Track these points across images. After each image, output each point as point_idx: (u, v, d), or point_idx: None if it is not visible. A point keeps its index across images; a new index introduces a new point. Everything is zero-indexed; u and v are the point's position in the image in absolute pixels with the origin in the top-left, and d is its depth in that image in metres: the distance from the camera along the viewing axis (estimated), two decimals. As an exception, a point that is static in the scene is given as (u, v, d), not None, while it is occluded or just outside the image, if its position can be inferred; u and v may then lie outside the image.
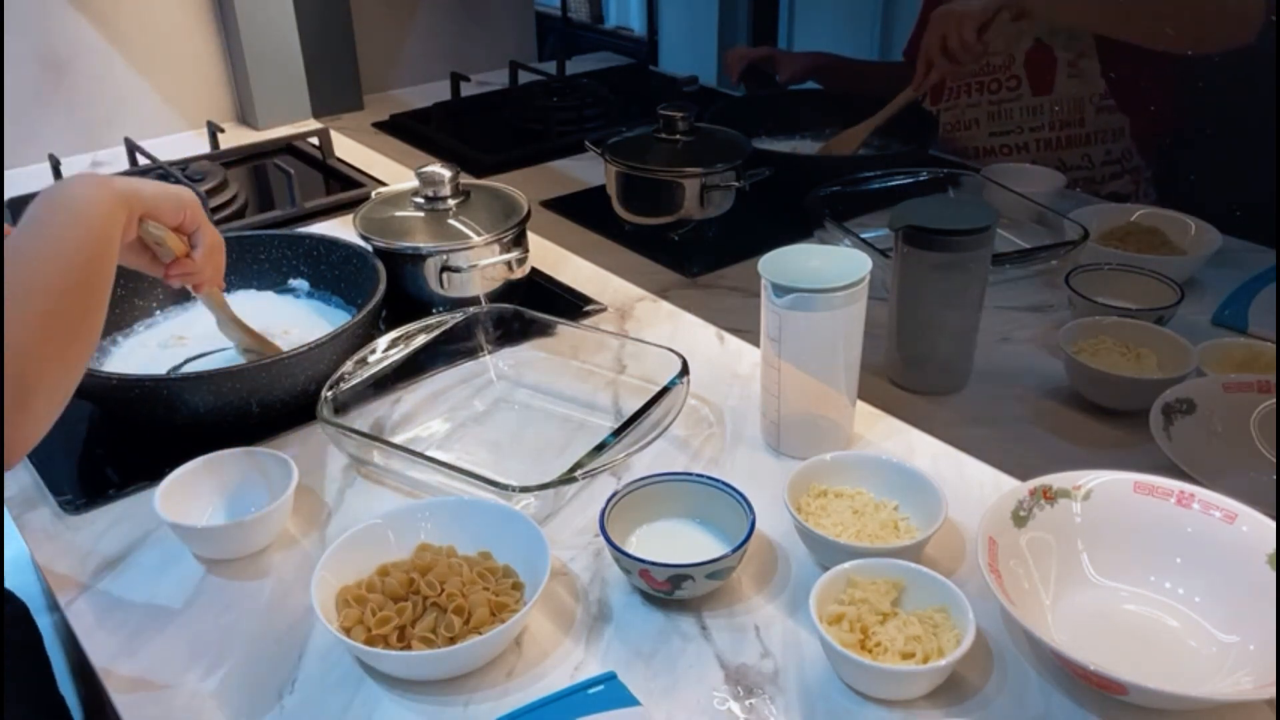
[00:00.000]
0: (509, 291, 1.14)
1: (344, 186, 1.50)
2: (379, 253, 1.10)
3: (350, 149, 1.67)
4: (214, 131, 1.58)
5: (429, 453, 0.88)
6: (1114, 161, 1.53)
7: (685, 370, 0.92)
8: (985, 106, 1.58)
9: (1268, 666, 0.66)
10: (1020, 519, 0.76)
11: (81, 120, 1.65)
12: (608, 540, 0.76)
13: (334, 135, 1.64)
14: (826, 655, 0.70)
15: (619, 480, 0.87)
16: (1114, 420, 0.97)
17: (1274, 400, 0.90)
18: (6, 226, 0.71)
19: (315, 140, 1.59)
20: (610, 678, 0.69)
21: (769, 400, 0.91)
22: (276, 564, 0.82)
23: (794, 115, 1.61)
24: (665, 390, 0.91)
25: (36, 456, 0.93)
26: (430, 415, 0.99)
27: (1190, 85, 1.48)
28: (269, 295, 1.15)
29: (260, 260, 1.15)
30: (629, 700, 0.67)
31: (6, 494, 0.90)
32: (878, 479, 0.83)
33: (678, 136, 1.30)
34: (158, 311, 1.11)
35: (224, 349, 1.04)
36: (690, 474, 0.83)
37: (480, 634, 0.70)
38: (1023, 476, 0.80)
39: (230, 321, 0.96)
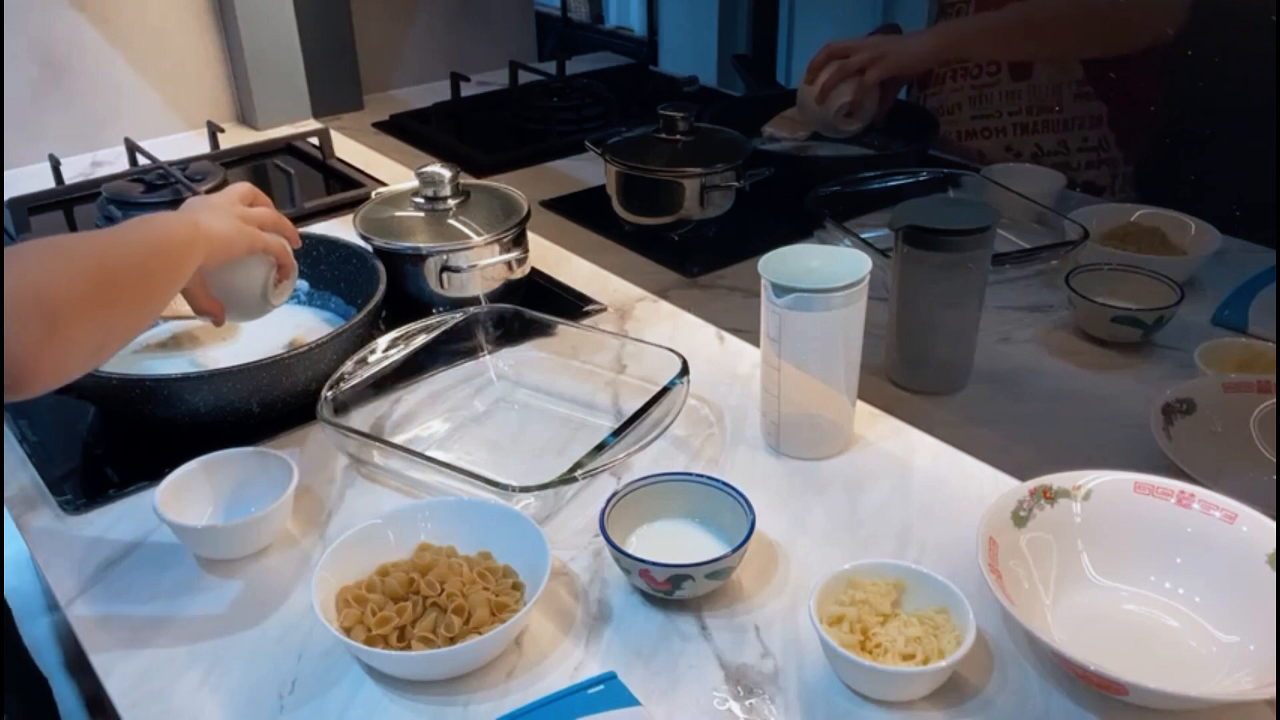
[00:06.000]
0: (509, 291, 1.14)
1: (344, 186, 1.50)
2: (379, 253, 1.10)
3: (350, 149, 1.67)
4: (214, 131, 1.58)
5: (429, 453, 0.88)
6: (1090, 149, 1.52)
7: (685, 370, 0.92)
8: (967, 91, 1.57)
9: (1268, 666, 0.66)
10: (1020, 519, 0.76)
11: (81, 120, 1.65)
12: (608, 540, 0.76)
13: (334, 135, 1.64)
14: (827, 657, 0.70)
15: (619, 480, 0.87)
16: (1113, 421, 0.97)
17: (1274, 400, 0.90)
18: None
19: (315, 140, 1.59)
20: (610, 678, 0.69)
21: (769, 400, 0.91)
22: (276, 564, 0.82)
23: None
24: (665, 390, 0.91)
25: (36, 456, 0.93)
26: (430, 415, 0.99)
27: (1167, 76, 1.50)
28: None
29: (260, 260, 1.15)
30: (629, 700, 0.67)
31: (7, 494, 0.90)
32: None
33: (678, 136, 1.30)
34: (158, 311, 1.11)
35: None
36: (690, 474, 0.83)
37: (480, 634, 0.70)
38: (1023, 476, 0.80)
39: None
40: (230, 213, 0.87)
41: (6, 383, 0.64)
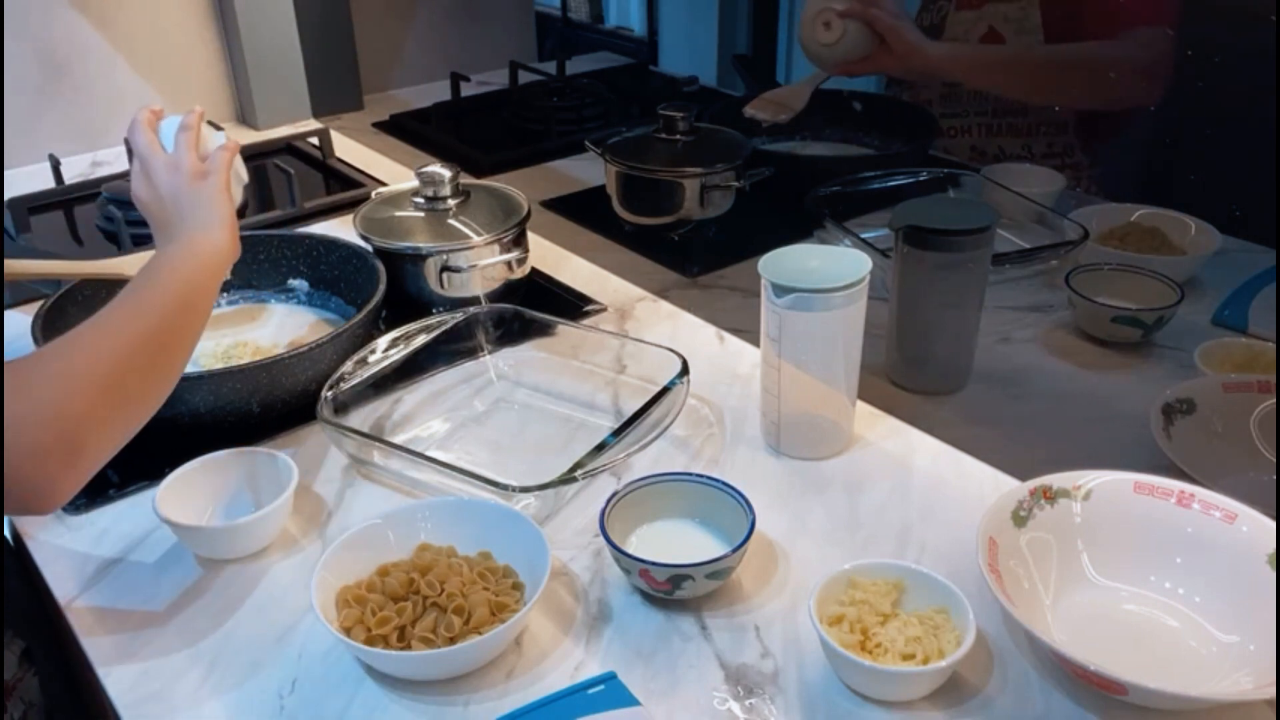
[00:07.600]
0: (509, 291, 1.14)
1: (344, 186, 1.50)
2: (379, 253, 1.10)
3: (350, 149, 1.67)
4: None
5: (429, 453, 0.88)
6: (1055, 155, 1.53)
7: (685, 370, 0.92)
8: (939, 88, 1.58)
9: (1268, 666, 0.66)
10: (1020, 519, 0.76)
11: (81, 120, 1.65)
12: (608, 540, 0.76)
13: (334, 135, 1.64)
14: (827, 657, 0.70)
15: (619, 480, 0.86)
16: (1113, 421, 0.97)
17: (1274, 400, 0.90)
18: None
19: (315, 140, 1.59)
20: (610, 678, 0.69)
21: (769, 400, 0.91)
22: (276, 564, 0.82)
23: (793, 116, 1.60)
24: (665, 390, 0.91)
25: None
26: (430, 415, 0.99)
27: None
28: (268, 298, 1.15)
29: (260, 260, 1.15)
30: (629, 700, 0.67)
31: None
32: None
33: (678, 136, 1.30)
34: (158, 311, 1.11)
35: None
36: (690, 474, 0.83)
37: (480, 634, 0.70)
38: (1023, 476, 0.80)
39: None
40: (205, 191, 0.85)
41: (27, 507, 0.63)
